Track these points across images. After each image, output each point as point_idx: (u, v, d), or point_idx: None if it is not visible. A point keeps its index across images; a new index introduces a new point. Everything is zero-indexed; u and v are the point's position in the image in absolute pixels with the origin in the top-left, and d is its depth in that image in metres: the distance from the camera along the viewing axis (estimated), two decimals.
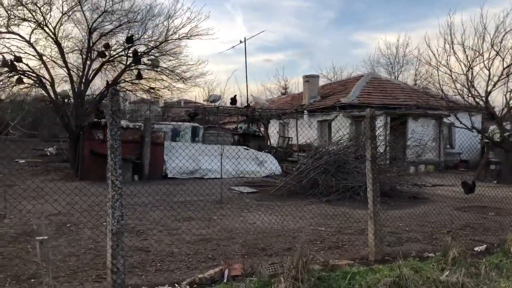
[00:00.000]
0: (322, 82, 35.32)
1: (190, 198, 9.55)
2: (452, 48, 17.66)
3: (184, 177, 13.74)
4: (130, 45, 15.00)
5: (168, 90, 16.27)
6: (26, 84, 14.45)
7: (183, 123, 17.23)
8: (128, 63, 15.36)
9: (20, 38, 14.34)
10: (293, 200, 10.04)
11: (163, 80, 16.35)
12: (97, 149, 13.06)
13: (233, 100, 19.43)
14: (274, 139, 23.54)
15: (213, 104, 19.78)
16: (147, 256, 5.27)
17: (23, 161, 17.61)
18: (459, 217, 8.06)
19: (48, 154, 20.11)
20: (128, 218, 7.58)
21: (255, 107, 21.23)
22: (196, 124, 17.09)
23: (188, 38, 15.75)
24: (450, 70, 18.12)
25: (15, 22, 13.79)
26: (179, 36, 15.51)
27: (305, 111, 23.93)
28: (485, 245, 5.96)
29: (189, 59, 18.55)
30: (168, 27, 15.35)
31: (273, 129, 26.66)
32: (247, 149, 16.36)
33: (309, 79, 25.58)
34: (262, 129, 26.57)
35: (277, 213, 8.34)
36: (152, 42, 15.60)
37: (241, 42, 25.72)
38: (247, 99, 23.93)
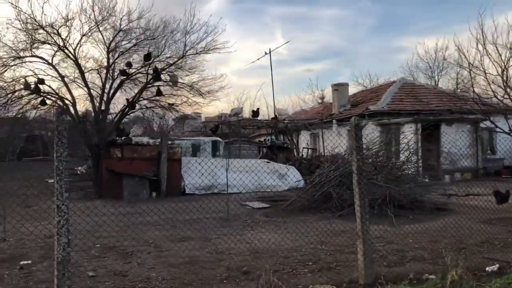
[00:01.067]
0: (357, 90, 34.58)
1: (198, 215, 9.29)
2: (485, 48, 16.70)
3: (202, 193, 13.53)
4: (148, 62, 15.08)
5: (188, 105, 16.21)
6: (49, 106, 14.76)
7: (204, 138, 17.11)
8: (148, 80, 15.43)
9: (43, 61, 14.73)
10: (305, 216, 9.58)
11: (184, 96, 16.32)
12: (114, 167, 13.11)
13: (255, 113, 19.16)
14: (304, 151, 23.03)
15: (236, 117, 19.60)
16: (122, 281, 5.01)
17: (52, 180, 17.99)
18: (480, 231, 7.34)
19: (79, 173, 20.51)
20: (124, 239, 7.41)
21: (279, 119, 20.87)
22: (217, 138, 16.91)
23: (205, 52, 15.70)
24: (485, 72, 17.14)
25: (35, 46, 14.18)
26: (196, 51, 15.46)
27: (334, 120, 23.30)
28: (497, 265, 5.30)
29: (208, 73, 18.41)
30: (186, 42, 15.35)
31: (304, 140, 26.22)
32: (268, 162, 15.99)
33: (338, 88, 24.96)
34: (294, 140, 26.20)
35: (281, 230, 7.93)
36: (170, 58, 15.62)
37: (266, 54, 25.46)
38: (274, 111, 23.61)
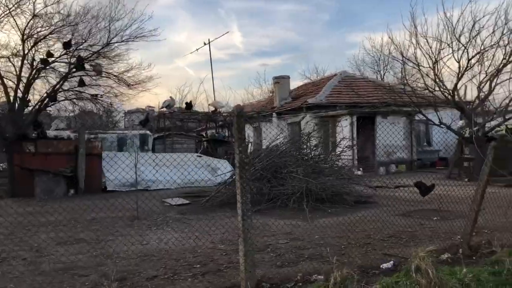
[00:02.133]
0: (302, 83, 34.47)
1: (107, 214, 8.63)
2: (417, 41, 16.80)
3: (125, 190, 12.78)
4: (68, 50, 14.10)
5: (114, 96, 15.33)
6: None
7: (131, 131, 16.28)
8: (70, 69, 14.46)
9: None
10: (223, 212, 9.11)
11: (111, 87, 15.44)
12: (26, 163, 12.13)
13: (188, 105, 18.46)
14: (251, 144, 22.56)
15: (168, 109, 18.80)
16: None
17: None
18: (393, 224, 7.10)
19: (1, 169, 19.11)
20: (7, 243, 6.63)
21: (215, 112, 20.30)
22: (146, 132, 16.10)
23: (132, 41, 14.88)
24: (418, 65, 17.28)
25: None
26: (121, 38, 14.61)
27: (274, 113, 23.03)
28: (392, 262, 5.00)
29: (134, 62, 17.27)
30: (110, 29, 14.45)
31: (249, 134, 25.79)
32: (200, 156, 15.43)
33: (279, 81, 24.69)
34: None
35: (188, 229, 7.41)
36: (94, 47, 14.68)
37: (205, 44, 24.82)
38: (214, 103, 23.00)
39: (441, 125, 16.63)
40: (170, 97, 17.74)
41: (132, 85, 15.22)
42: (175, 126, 23.16)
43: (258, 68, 73.53)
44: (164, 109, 18.29)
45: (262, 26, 70.12)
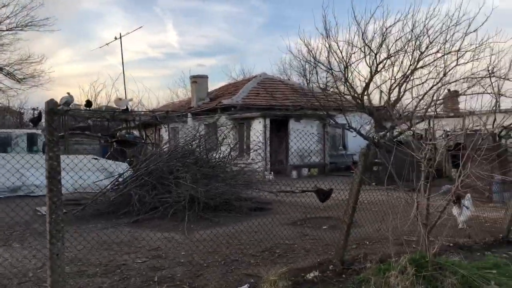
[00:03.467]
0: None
1: None
2: (329, 44, 16.67)
3: (2, 196, 11.32)
4: None
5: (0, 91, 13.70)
6: None
7: (17, 130, 14.66)
8: None
9: None
10: (96, 223, 8.10)
11: None
12: None
13: (88, 103, 17.09)
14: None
15: (65, 106, 17.22)
16: None
17: None
18: (275, 236, 6.54)
19: None
20: None
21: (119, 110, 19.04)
22: (34, 131, 14.55)
23: (21, 29, 13.38)
24: (331, 68, 17.17)
25: None
26: (6, 26, 13.07)
27: (189, 114, 22.13)
28: (247, 285, 4.35)
29: (25, 54, 15.51)
30: None
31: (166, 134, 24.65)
32: (96, 159, 14.15)
33: (197, 80, 23.84)
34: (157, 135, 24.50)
35: (42, 246, 6.32)
36: None
37: (116, 38, 23.48)
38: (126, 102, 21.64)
39: (351, 129, 16.65)
40: (68, 93, 16.19)
41: (22, 79, 13.64)
42: (87, 125, 21.65)
43: (194, 68, 72.10)
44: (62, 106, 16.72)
45: (198, 26, 69.00)
